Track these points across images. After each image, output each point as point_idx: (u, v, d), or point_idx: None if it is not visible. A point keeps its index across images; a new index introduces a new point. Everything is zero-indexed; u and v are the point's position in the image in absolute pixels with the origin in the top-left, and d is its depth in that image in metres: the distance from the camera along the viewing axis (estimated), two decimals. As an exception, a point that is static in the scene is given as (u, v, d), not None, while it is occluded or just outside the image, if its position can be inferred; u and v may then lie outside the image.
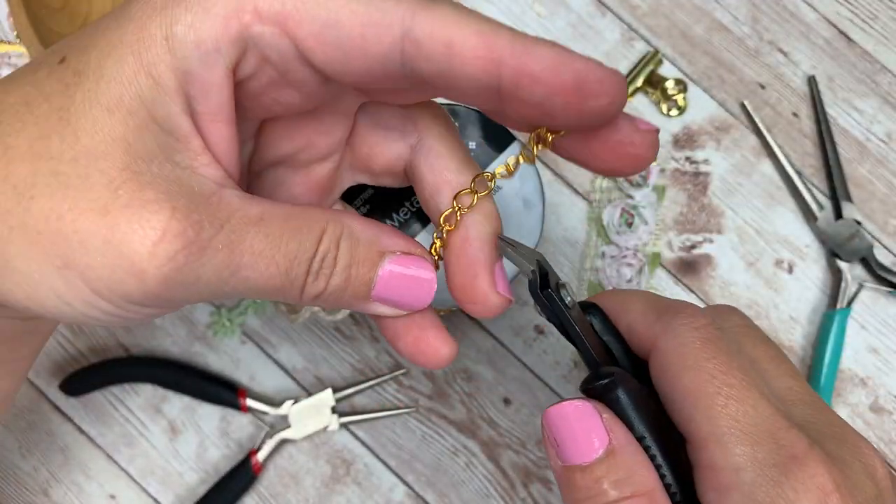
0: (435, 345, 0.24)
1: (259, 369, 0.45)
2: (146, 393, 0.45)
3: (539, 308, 0.24)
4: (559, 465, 0.22)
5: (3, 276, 0.20)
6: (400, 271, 0.23)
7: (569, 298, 0.23)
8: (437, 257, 0.24)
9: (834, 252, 0.45)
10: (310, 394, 0.45)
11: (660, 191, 0.46)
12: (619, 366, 0.24)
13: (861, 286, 0.45)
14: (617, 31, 0.48)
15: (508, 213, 0.37)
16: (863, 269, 0.46)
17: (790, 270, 0.46)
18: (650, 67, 0.47)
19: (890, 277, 0.45)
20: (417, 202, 0.35)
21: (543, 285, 0.23)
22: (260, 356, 0.45)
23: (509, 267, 0.24)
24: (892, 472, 0.23)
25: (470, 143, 0.36)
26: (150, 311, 0.21)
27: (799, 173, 0.46)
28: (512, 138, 0.36)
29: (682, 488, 0.22)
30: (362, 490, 0.44)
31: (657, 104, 0.47)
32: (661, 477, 0.22)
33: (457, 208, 0.23)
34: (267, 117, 0.23)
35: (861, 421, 0.45)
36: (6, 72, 0.47)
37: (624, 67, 0.48)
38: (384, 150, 0.24)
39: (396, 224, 0.36)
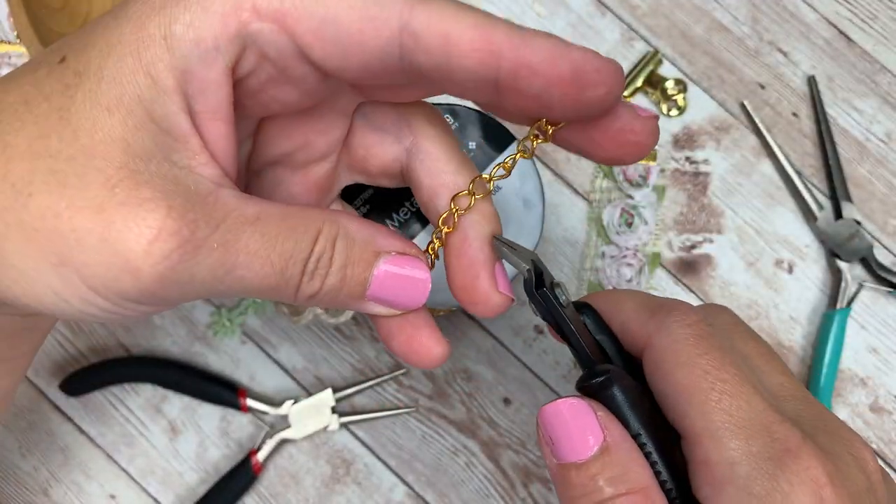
0: (428, 344, 0.24)
1: (259, 369, 0.45)
2: (146, 393, 0.45)
3: (534, 307, 0.24)
4: (554, 463, 0.23)
5: (1, 273, 0.20)
6: (395, 271, 0.23)
7: (563, 297, 0.24)
8: (433, 257, 0.24)
9: (834, 252, 0.45)
10: (310, 394, 0.45)
11: (660, 191, 0.46)
12: (612, 364, 0.24)
13: (861, 286, 0.45)
14: (617, 31, 0.48)
15: (508, 213, 0.37)
16: (863, 269, 0.46)
17: (790, 270, 0.46)
18: (650, 67, 0.47)
19: (890, 277, 0.45)
20: (417, 202, 0.35)
21: (538, 284, 0.23)
22: (260, 356, 0.46)
23: (509, 267, 0.24)
24: (885, 467, 0.23)
25: (469, 143, 0.36)
26: (146, 309, 0.21)
27: (799, 173, 0.46)
28: (512, 138, 0.36)
29: (678, 485, 0.22)
30: (362, 490, 0.45)
31: (657, 104, 0.47)
32: (657, 474, 0.22)
33: (455, 210, 0.23)
34: (265, 115, 0.23)
35: (861, 421, 0.45)
36: (6, 71, 0.48)
37: (624, 67, 0.48)
38: (380, 152, 0.24)
39: (396, 224, 0.36)
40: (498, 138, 0.36)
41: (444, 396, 0.45)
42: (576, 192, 0.47)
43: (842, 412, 0.45)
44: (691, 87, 0.47)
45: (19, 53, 0.48)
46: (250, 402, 0.44)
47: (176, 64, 0.19)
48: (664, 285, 0.46)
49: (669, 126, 0.47)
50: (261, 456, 0.44)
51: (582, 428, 0.22)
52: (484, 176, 0.23)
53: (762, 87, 0.48)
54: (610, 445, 0.22)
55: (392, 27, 0.19)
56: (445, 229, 0.23)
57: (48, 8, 0.42)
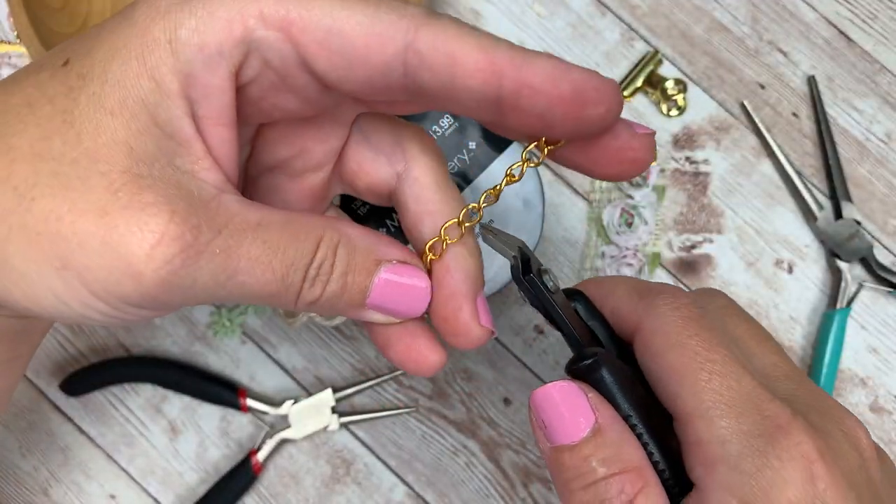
0: (425, 353, 0.24)
1: (259, 369, 0.45)
2: (146, 393, 0.45)
3: (522, 293, 0.24)
4: (547, 447, 0.23)
5: (2, 275, 0.20)
6: (395, 280, 0.23)
7: (551, 283, 0.24)
8: (429, 268, 0.24)
9: (834, 252, 0.45)
10: (310, 394, 0.45)
11: (660, 191, 0.46)
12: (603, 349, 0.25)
13: (861, 286, 0.45)
14: (617, 31, 0.48)
15: (508, 213, 0.37)
16: (863, 269, 0.46)
17: (790, 270, 0.46)
18: (650, 67, 0.47)
19: (890, 277, 0.45)
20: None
21: (525, 270, 0.23)
22: (260, 356, 0.46)
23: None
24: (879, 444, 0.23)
25: (469, 144, 0.36)
26: (147, 313, 0.21)
27: (799, 173, 0.46)
28: (511, 139, 0.36)
29: (671, 466, 0.23)
30: (362, 490, 0.45)
31: (657, 104, 0.47)
32: (649, 455, 0.22)
33: (444, 239, 0.23)
34: (265, 122, 0.23)
35: (861, 421, 0.45)
36: (6, 72, 0.48)
37: (624, 67, 0.48)
38: (370, 171, 0.25)
39: (393, 228, 0.36)
40: (498, 139, 0.36)
41: (444, 396, 0.45)
42: (576, 192, 0.47)
43: (842, 412, 0.45)
44: (691, 87, 0.47)
45: (19, 53, 0.48)
46: (250, 402, 0.44)
47: (180, 68, 0.20)
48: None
49: (669, 126, 0.47)
50: (261, 456, 0.44)
51: (573, 410, 0.22)
52: (473, 205, 0.23)
53: (762, 87, 0.48)
54: (602, 426, 0.22)
55: (397, 45, 0.19)
56: (431, 256, 0.24)
57: (48, 8, 0.42)
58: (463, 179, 0.36)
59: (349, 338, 0.46)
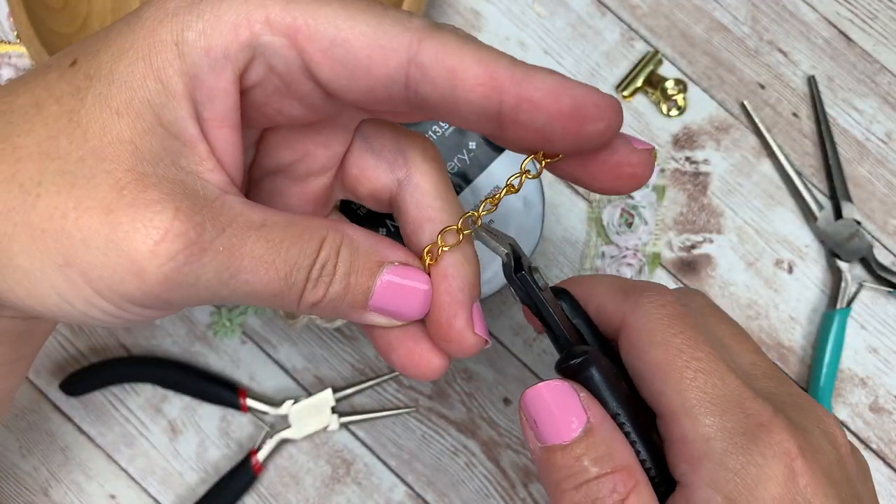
0: (427, 357, 0.24)
1: (259, 369, 0.45)
2: (146, 393, 0.45)
3: (513, 291, 0.24)
4: (538, 447, 0.23)
5: (6, 273, 0.20)
6: (398, 281, 0.23)
7: (541, 281, 0.24)
8: (427, 272, 0.24)
9: (834, 252, 0.45)
10: (310, 394, 0.45)
11: (660, 191, 0.46)
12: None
13: (861, 286, 0.45)
14: (617, 31, 0.48)
15: (508, 213, 0.37)
16: (863, 269, 0.46)
17: (790, 270, 0.46)
18: (650, 67, 0.47)
19: (890, 277, 0.45)
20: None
21: (517, 268, 0.23)
22: (260, 356, 0.46)
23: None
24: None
25: (469, 144, 0.36)
26: (150, 313, 0.21)
27: (799, 173, 0.46)
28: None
29: (656, 464, 0.23)
30: (362, 490, 0.45)
31: (657, 104, 0.47)
32: (637, 453, 0.23)
33: (440, 245, 0.23)
34: (269, 126, 0.23)
35: (861, 421, 0.45)
36: (6, 72, 0.48)
37: (624, 67, 0.48)
38: (371, 177, 0.25)
39: (392, 228, 0.36)
40: (498, 138, 0.36)
41: (444, 396, 0.45)
42: (576, 192, 0.47)
43: (842, 412, 0.45)
44: (691, 87, 0.47)
45: (19, 53, 0.48)
46: (250, 402, 0.44)
47: (186, 70, 0.20)
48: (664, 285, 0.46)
49: (669, 126, 0.47)
50: (261, 456, 0.44)
51: (565, 410, 0.22)
52: (472, 213, 0.24)
53: (762, 87, 0.48)
54: (593, 426, 0.22)
55: (400, 57, 0.19)
56: (429, 260, 0.24)
57: (48, 8, 0.42)
58: (463, 179, 0.36)
59: (349, 338, 0.46)
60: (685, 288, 0.26)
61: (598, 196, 0.46)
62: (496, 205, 0.24)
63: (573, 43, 0.48)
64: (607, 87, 0.48)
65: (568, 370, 0.23)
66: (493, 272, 0.37)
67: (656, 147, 0.47)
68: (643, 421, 0.23)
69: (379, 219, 0.36)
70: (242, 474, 0.44)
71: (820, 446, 0.22)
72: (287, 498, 0.45)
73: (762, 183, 0.47)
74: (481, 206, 0.23)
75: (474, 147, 0.36)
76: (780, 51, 0.48)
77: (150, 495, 0.45)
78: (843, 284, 0.45)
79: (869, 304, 0.46)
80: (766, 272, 0.46)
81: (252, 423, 0.45)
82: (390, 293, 0.23)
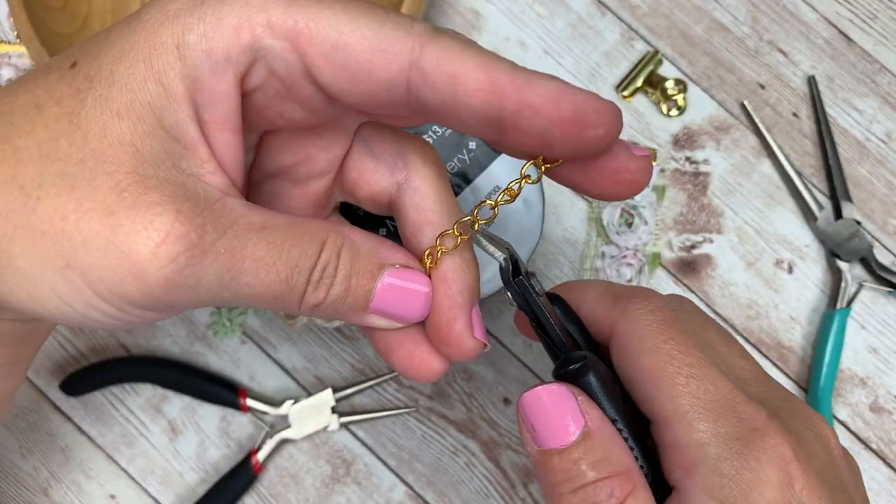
0: (427, 359, 0.24)
1: (259, 369, 0.45)
2: (146, 393, 0.45)
3: (510, 296, 0.24)
4: (535, 450, 0.23)
5: (6, 275, 0.20)
6: (398, 284, 0.23)
7: (538, 286, 0.24)
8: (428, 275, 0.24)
9: (834, 252, 0.45)
10: (310, 394, 0.45)
11: (660, 191, 0.46)
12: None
13: (861, 286, 0.45)
14: (617, 31, 0.48)
15: (508, 213, 0.37)
16: (862, 269, 0.46)
17: (790, 270, 0.46)
18: (650, 67, 0.47)
19: (890, 277, 0.45)
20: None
21: (514, 273, 0.23)
22: (260, 356, 0.46)
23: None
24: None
25: (470, 143, 0.36)
26: (151, 315, 0.21)
27: (799, 173, 0.46)
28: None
29: (652, 469, 0.23)
30: (362, 490, 0.45)
31: (657, 104, 0.47)
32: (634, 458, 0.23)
33: (439, 248, 0.23)
34: (269, 129, 0.23)
35: (861, 421, 0.45)
36: (6, 72, 0.48)
37: (624, 67, 0.48)
38: (371, 181, 0.25)
39: (392, 228, 0.36)
40: (498, 138, 0.36)
41: (444, 396, 0.45)
42: (576, 192, 0.47)
43: (842, 412, 0.45)
44: (691, 87, 0.47)
45: (19, 53, 0.48)
46: (250, 402, 0.44)
47: (187, 73, 0.20)
48: (664, 285, 0.46)
49: (669, 126, 0.47)
50: (261, 456, 0.44)
51: (563, 414, 0.22)
52: (469, 217, 0.24)
53: (762, 87, 0.48)
54: (591, 430, 0.22)
55: (402, 62, 0.19)
56: (429, 263, 0.24)
57: (48, 8, 0.42)
58: (463, 179, 0.36)
59: (349, 338, 0.46)
60: (673, 294, 0.26)
61: (598, 196, 0.46)
62: (495, 209, 0.24)
63: (573, 43, 0.48)
64: (607, 87, 0.48)
65: (566, 375, 0.23)
66: (493, 272, 0.37)
67: (656, 147, 0.47)
68: (638, 426, 0.23)
69: (379, 218, 0.36)
70: (242, 474, 0.44)
71: (814, 450, 0.22)
72: (287, 498, 0.45)
73: (762, 183, 0.47)
74: (476, 211, 0.23)
75: (474, 147, 0.36)
76: (780, 51, 0.48)
77: (150, 495, 0.45)
78: (843, 284, 0.45)
79: (869, 304, 0.46)
80: (766, 272, 0.46)
81: (252, 423, 0.45)
82: (391, 295, 0.23)
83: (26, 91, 0.21)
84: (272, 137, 0.24)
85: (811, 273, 0.46)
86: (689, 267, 0.46)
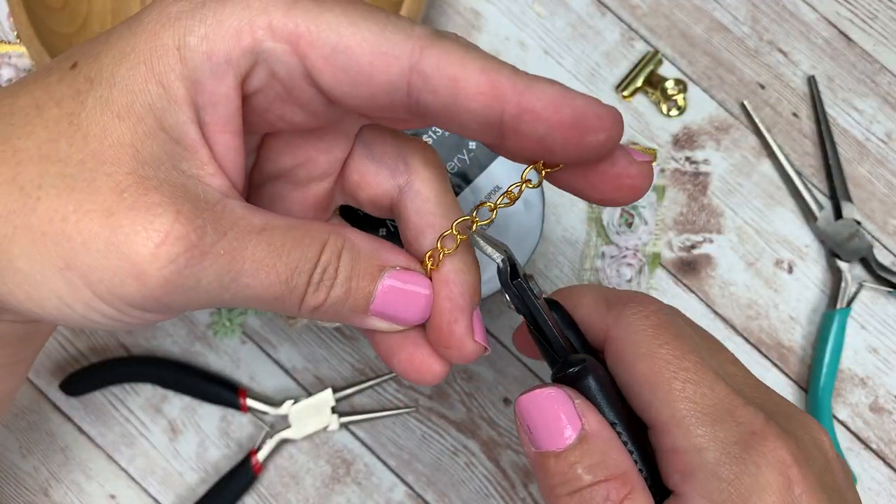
0: (428, 361, 0.24)
1: (259, 369, 0.45)
2: (146, 393, 0.45)
3: (509, 298, 0.24)
4: (533, 452, 0.23)
5: (6, 276, 0.20)
6: (399, 286, 0.23)
7: (536, 289, 0.24)
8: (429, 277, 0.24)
9: (834, 252, 0.45)
10: (310, 394, 0.45)
11: (660, 191, 0.46)
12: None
13: (861, 286, 0.45)
14: (617, 31, 0.48)
15: (508, 213, 0.37)
16: (863, 269, 0.46)
17: (790, 270, 0.46)
18: (650, 67, 0.47)
19: (890, 277, 0.45)
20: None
21: (513, 275, 0.23)
22: (260, 356, 0.46)
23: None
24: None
25: (469, 143, 0.36)
26: (150, 317, 0.21)
27: (799, 173, 0.46)
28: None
29: (651, 474, 0.23)
30: (362, 490, 0.45)
31: (657, 104, 0.47)
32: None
33: (441, 250, 0.23)
34: (270, 132, 0.23)
35: (861, 421, 0.45)
36: (6, 72, 0.48)
37: (624, 67, 0.48)
38: (372, 183, 0.25)
39: (393, 228, 0.36)
40: (498, 138, 0.36)
41: (444, 396, 0.45)
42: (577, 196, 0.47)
43: (842, 412, 0.45)
44: (691, 87, 0.47)
45: (19, 53, 0.48)
46: (250, 402, 0.44)
47: (188, 75, 0.20)
48: (664, 285, 0.46)
49: (669, 126, 0.47)
50: (261, 456, 0.44)
51: (559, 417, 0.22)
52: (468, 217, 0.23)
53: (762, 87, 0.48)
54: (588, 433, 0.22)
55: (402, 65, 0.19)
56: (430, 265, 0.24)
57: (48, 8, 0.42)
58: (463, 179, 0.36)
59: (349, 338, 0.46)
60: (662, 302, 0.26)
61: (598, 196, 0.46)
62: (494, 212, 0.23)
63: (573, 43, 0.48)
64: (607, 87, 0.48)
65: (565, 378, 0.23)
66: (493, 272, 0.37)
67: (656, 147, 0.47)
68: (637, 430, 0.23)
69: (379, 219, 0.36)
70: (242, 474, 0.44)
71: (812, 454, 0.22)
72: (287, 498, 0.45)
73: (762, 183, 0.47)
74: (474, 212, 0.23)
75: (474, 147, 0.36)
76: (780, 51, 0.48)
77: (150, 495, 0.45)
78: (843, 284, 0.45)
79: (869, 304, 0.46)
80: (766, 272, 0.46)
81: (252, 423, 0.45)
82: (392, 297, 0.23)
83: (27, 92, 0.21)
84: (273, 140, 0.24)
85: (811, 273, 0.46)
86: (689, 267, 0.46)
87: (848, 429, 0.45)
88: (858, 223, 0.45)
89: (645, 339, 0.23)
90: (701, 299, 0.46)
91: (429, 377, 0.24)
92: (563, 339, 0.24)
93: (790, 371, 0.45)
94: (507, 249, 0.24)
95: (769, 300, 0.46)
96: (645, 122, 0.47)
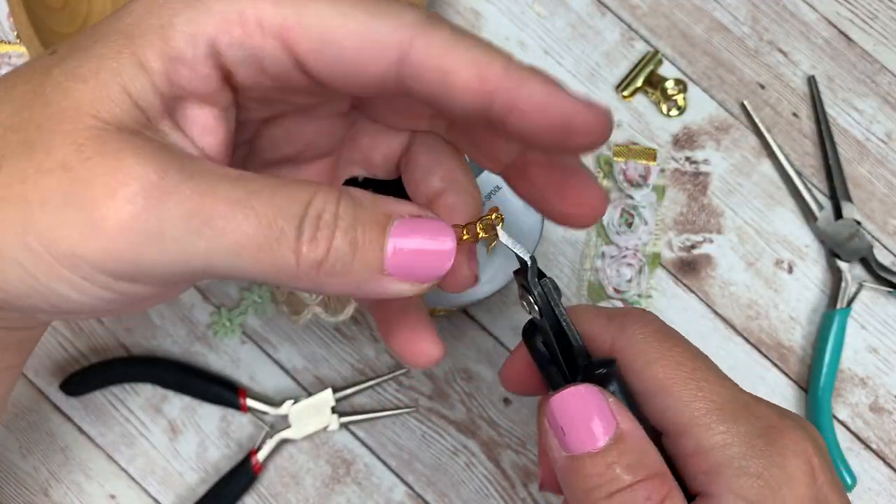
0: (423, 345, 0.24)
1: (259, 369, 0.45)
2: (146, 393, 0.45)
3: (532, 298, 0.23)
4: (563, 457, 0.22)
5: None
6: (415, 232, 0.20)
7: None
8: (472, 238, 0.22)
9: (834, 252, 0.45)
10: (310, 394, 0.45)
11: (660, 191, 0.46)
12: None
13: (861, 286, 0.45)
14: (617, 31, 0.48)
15: (508, 214, 0.37)
16: (862, 269, 0.46)
17: (790, 270, 0.46)
18: (650, 67, 0.47)
19: (890, 277, 0.45)
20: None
21: (540, 274, 0.23)
22: (260, 356, 0.46)
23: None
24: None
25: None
26: (125, 287, 0.20)
27: (799, 173, 0.46)
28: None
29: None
30: (362, 490, 0.45)
31: (657, 104, 0.47)
32: None
33: (478, 224, 0.22)
34: (267, 117, 0.23)
35: (861, 421, 0.45)
36: (6, 72, 0.48)
37: (624, 67, 0.48)
38: (381, 144, 0.25)
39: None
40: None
41: (444, 396, 0.45)
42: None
43: (842, 412, 0.45)
44: (691, 87, 0.47)
45: (19, 53, 0.48)
46: (250, 402, 0.44)
47: (167, 52, 0.19)
48: (664, 285, 0.46)
49: (669, 126, 0.47)
50: (261, 456, 0.44)
51: (594, 416, 0.22)
52: (494, 212, 0.23)
53: (762, 87, 0.48)
54: (624, 432, 0.22)
55: (391, 56, 0.19)
56: (466, 236, 0.22)
57: (48, 8, 0.42)
58: (463, 179, 0.36)
59: (349, 338, 0.46)
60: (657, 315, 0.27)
61: (598, 196, 0.46)
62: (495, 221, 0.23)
63: (573, 43, 0.48)
64: (607, 87, 0.48)
65: (592, 380, 0.23)
66: (493, 272, 0.37)
67: (656, 147, 0.47)
68: (653, 438, 0.23)
69: (396, 194, 0.35)
70: (242, 474, 0.44)
71: (822, 445, 0.23)
72: (287, 498, 0.45)
73: (762, 183, 0.47)
74: (492, 213, 0.23)
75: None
76: (780, 51, 0.48)
77: (150, 495, 0.45)
78: (843, 284, 0.45)
79: (869, 304, 0.46)
80: (766, 272, 0.46)
81: (252, 423, 0.45)
82: (408, 249, 0.20)
83: (2, 81, 0.21)
84: (269, 128, 0.24)
85: (811, 273, 0.46)
86: (689, 267, 0.46)
87: (848, 429, 0.45)
88: (858, 223, 0.45)
89: (653, 346, 0.23)
90: (701, 299, 0.46)
91: (423, 360, 0.24)
92: (583, 343, 0.24)
93: (790, 371, 0.45)
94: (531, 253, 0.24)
95: (769, 300, 0.46)
96: (645, 122, 0.47)
